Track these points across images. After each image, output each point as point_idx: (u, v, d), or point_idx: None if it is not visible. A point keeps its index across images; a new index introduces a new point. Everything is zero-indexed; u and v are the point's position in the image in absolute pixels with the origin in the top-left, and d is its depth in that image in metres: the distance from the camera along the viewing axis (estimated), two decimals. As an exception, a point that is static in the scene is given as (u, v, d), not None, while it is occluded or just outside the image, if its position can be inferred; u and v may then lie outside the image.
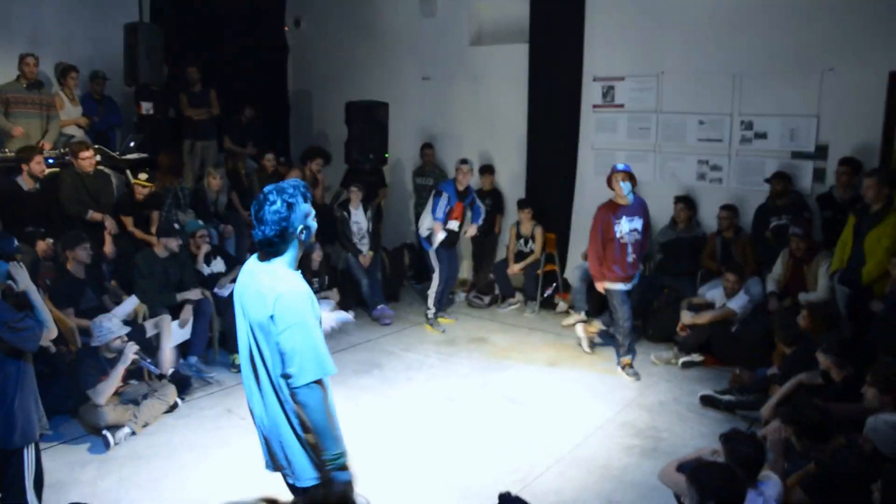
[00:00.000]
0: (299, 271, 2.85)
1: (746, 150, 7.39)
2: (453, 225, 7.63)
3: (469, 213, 7.74)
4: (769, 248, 6.82)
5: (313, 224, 2.82)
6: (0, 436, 3.51)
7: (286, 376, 2.70)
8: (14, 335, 3.46)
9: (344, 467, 2.78)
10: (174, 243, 6.40)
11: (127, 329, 5.41)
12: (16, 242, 3.94)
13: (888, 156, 6.66)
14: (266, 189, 2.77)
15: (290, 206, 2.72)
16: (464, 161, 7.48)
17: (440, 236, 7.48)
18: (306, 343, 2.66)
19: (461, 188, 7.50)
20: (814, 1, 6.84)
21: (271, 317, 2.67)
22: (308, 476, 2.84)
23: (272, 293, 2.67)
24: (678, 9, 7.60)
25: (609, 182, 6.29)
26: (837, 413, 3.77)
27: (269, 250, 2.77)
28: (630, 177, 6.16)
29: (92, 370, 5.12)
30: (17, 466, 3.61)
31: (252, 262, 2.88)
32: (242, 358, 2.91)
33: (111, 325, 5.26)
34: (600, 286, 6.43)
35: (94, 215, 6.70)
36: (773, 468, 3.51)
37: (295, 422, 2.80)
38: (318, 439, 2.75)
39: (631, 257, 6.26)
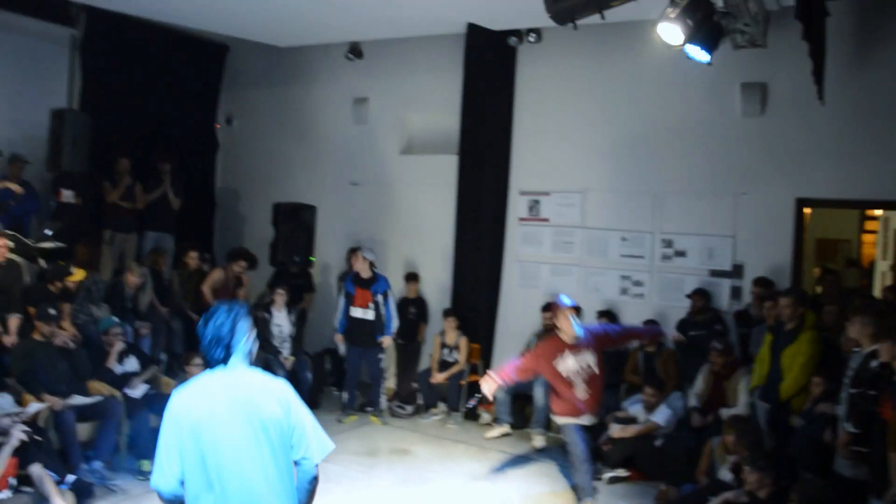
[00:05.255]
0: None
1: (667, 267, 7.66)
2: (357, 312, 7.72)
3: (380, 299, 7.74)
4: (691, 362, 6.96)
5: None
6: None
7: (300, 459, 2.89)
8: None
9: None
10: (46, 329, 6.07)
11: (18, 409, 5.22)
12: None
13: (798, 276, 7.01)
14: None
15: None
16: (354, 249, 8.05)
17: (341, 348, 7.96)
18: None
19: (364, 276, 7.74)
20: (728, 128, 7.33)
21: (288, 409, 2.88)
22: None
23: (278, 388, 2.90)
24: (601, 130, 7.98)
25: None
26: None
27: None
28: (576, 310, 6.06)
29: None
30: None
31: (212, 375, 2.89)
32: (234, 472, 2.75)
33: (2, 401, 5.12)
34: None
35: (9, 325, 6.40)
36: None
37: None
38: None
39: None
